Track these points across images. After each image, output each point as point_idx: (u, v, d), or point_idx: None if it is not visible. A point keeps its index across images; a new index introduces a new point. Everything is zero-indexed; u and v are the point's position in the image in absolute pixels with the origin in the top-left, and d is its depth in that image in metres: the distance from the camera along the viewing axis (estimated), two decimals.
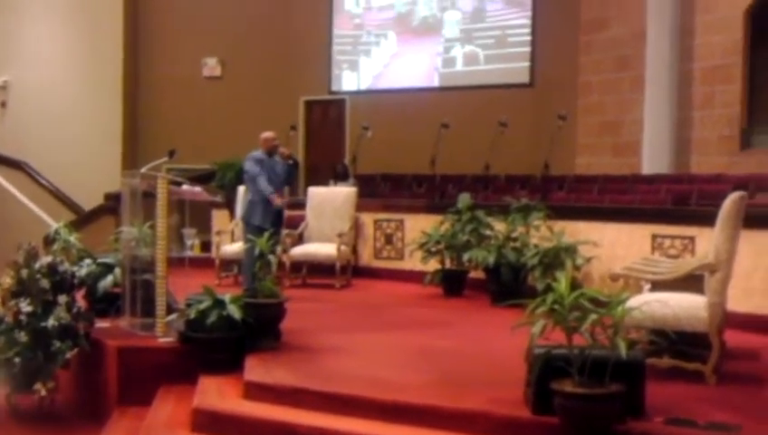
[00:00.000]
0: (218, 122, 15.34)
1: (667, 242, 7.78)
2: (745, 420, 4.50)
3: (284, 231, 9.26)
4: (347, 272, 9.93)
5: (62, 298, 6.56)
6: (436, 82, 15.49)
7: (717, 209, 5.47)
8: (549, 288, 4.56)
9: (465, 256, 8.88)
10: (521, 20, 14.76)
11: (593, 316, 4.28)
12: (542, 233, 8.47)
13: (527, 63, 14.61)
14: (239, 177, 10.06)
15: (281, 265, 8.82)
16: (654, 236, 7.88)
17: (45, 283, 6.56)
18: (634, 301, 5.07)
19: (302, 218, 10.21)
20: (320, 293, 9.33)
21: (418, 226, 9.84)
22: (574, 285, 4.44)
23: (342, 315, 8.04)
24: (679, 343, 5.41)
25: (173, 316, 6.51)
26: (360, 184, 11.70)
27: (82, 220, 13.33)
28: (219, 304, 6.13)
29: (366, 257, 10.61)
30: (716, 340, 5.27)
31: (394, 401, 4.92)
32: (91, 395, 6.71)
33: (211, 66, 16.18)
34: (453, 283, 9.15)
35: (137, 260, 6.88)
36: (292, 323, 6.57)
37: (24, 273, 6.56)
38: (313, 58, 15.92)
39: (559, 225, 8.48)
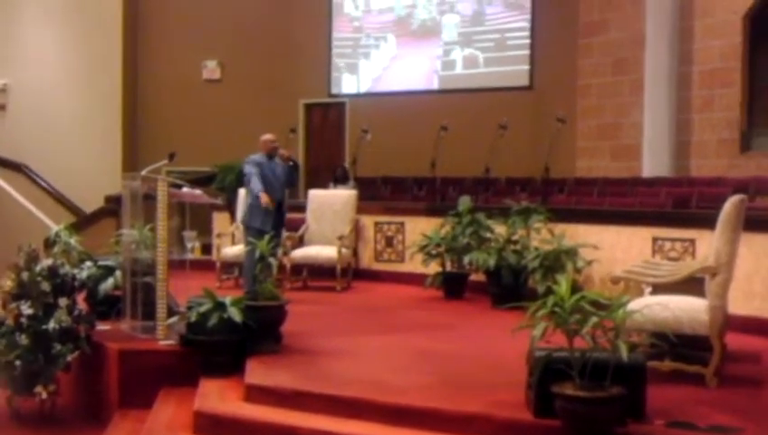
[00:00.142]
0: (218, 125, 15.33)
1: (668, 245, 7.79)
2: (746, 423, 4.51)
3: (285, 234, 9.26)
4: (348, 274, 9.93)
5: (63, 301, 6.55)
6: (435, 85, 15.50)
7: (717, 212, 5.48)
8: (549, 291, 4.57)
9: (466, 259, 8.89)
10: (520, 23, 14.78)
11: (594, 319, 4.28)
12: (542, 236, 8.48)
13: (526, 66, 14.62)
14: (239, 179, 10.06)
15: (281, 267, 8.83)
16: (654, 239, 7.89)
17: (46, 285, 6.55)
18: (635, 304, 5.07)
19: (302, 221, 10.22)
20: (320, 295, 9.34)
21: (419, 228, 9.85)
22: (575, 287, 4.44)
23: (343, 318, 8.04)
24: (680, 346, 5.41)
25: (174, 319, 6.50)
26: (360, 187, 11.71)
27: (83, 223, 13.32)
28: (220, 306, 6.14)
29: (366, 260, 10.62)
30: (717, 343, 5.28)
31: (395, 404, 4.93)
32: (92, 398, 6.71)
33: (211, 69, 16.18)
34: (453, 285, 9.15)
35: (137, 263, 6.88)
36: (293, 326, 6.58)
37: (25, 275, 6.56)
38: (313, 61, 15.93)
39: (559, 228, 8.49)
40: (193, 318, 6.14)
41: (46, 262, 6.69)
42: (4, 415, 6.57)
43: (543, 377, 4.42)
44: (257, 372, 5.69)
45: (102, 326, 6.96)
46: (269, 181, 8.66)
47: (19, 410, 6.59)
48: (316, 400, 5.15)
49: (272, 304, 6.40)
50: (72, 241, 7.43)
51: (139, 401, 5.97)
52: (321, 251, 9.85)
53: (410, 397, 5.02)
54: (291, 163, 8.97)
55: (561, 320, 4.31)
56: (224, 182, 12.81)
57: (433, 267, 9.24)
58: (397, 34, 15.82)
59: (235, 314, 6.05)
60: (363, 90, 16.04)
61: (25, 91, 15.64)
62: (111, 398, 6.31)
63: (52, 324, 6.42)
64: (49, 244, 7.56)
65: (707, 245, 6.33)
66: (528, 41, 14.64)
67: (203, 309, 6.12)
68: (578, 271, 7.99)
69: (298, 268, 9.95)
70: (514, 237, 8.67)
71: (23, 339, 6.40)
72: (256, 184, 8.55)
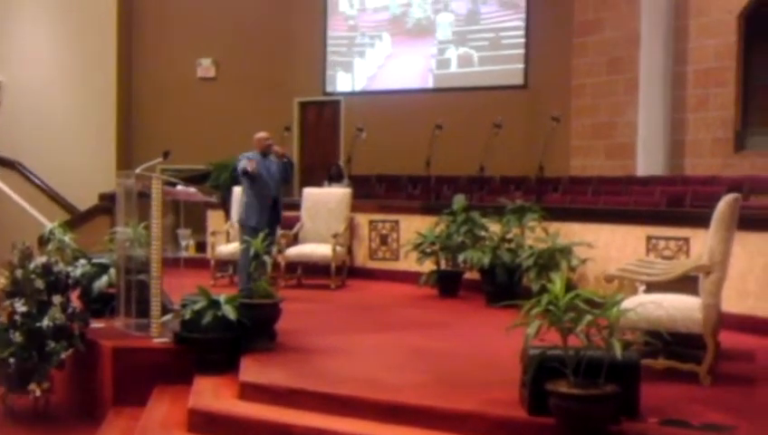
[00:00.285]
0: (213, 123, 15.32)
1: (662, 243, 7.80)
2: (740, 421, 4.52)
3: (279, 232, 9.25)
4: (342, 272, 9.93)
5: (57, 298, 6.54)
6: (430, 84, 15.51)
7: (712, 211, 5.49)
8: (544, 289, 4.58)
9: (460, 257, 8.89)
10: (515, 22, 14.79)
11: (588, 317, 4.29)
12: (536, 234, 8.49)
13: (521, 65, 14.64)
14: (234, 177, 10.05)
15: (276, 265, 8.83)
16: (648, 238, 7.91)
17: (40, 283, 6.54)
18: (629, 302, 5.09)
19: (296, 219, 10.22)
20: (315, 293, 9.34)
21: (413, 226, 9.85)
22: (569, 286, 4.44)
23: (338, 316, 8.04)
24: (674, 345, 5.43)
25: (168, 317, 6.50)
26: (354, 185, 11.70)
27: (77, 220, 13.27)
28: (214, 304, 6.13)
29: (361, 258, 10.62)
30: (711, 341, 5.29)
31: (389, 402, 4.93)
32: (86, 395, 6.70)
33: (205, 67, 16.17)
34: (448, 284, 9.16)
35: (132, 260, 6.87)
36: (288, 324, 6.58)
37: (19, 273, 6.55)
38: (308, 59, 15.92)
39: (554, 226, 8.50)
40: (187, 316, 6.13)
41: (40, 259, 6.68)
42: None
43: (538, 375, 4.43)
44: (252, 370, 5.68)
45: (96, 324, 6.95)
46: (264, 179, 8.64)
47: (13, 408, 6.57)
48: (310, 397, 5.15)
49: (266, 302, 6.40)
50: (67, 239, 7.42)
51: (133, 398, 5.96)
52: (316, 249, 9.85)
53: (405, 395, 5.02)
54: (285, 160, 8.95)
55: (556, 318, 4.32)
56: (218, 180, 12.78)
57: (427, 266, 9.24)
58: (392, 33, 15.82)
59: (230, 312, 6.05)
60: (358, 88, 16.04)
61: (20, 88, 15.59)
62: (105, 395, 6.30)
63: (46, 322, 6.41)
64: (43, 241, 7.56)
65: (701, 243, 6.35)
66: (523, 40, 14.65)
67: (197, 307, 6.11)
68: (572, 269, 7.99)
69: (292, 266, 9.95)
70: (509, 236, 8.68)
71: (17, 336, 6.39)
72: (242, 163, 8.52)
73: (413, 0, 15.66)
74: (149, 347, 6.35)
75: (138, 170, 7.01)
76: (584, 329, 4.28)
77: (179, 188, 7.26)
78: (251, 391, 5.38)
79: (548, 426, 4.41)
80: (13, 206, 13.94)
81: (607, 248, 8.16)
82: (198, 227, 11.27)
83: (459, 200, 9.31)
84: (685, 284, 5.53)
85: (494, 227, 8.85)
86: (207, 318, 6.03)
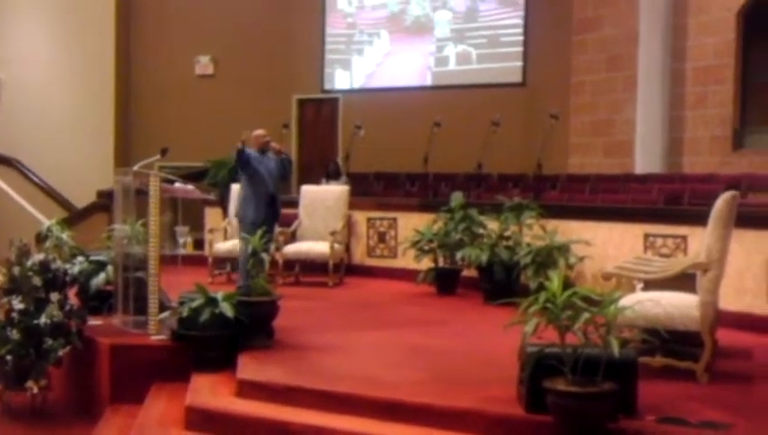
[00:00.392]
0: (211, 120, 15.30)
1: (660, 241, 7.80)
2: (737, 419, 4.52)
3: (278, 229, 9.25)
4: (340, 270, 9.93)
5: (55, 296, 6.54)
6: (428, 82, 15.51)
7: (709, 209, 5.49)
8: (541, 287, 4.57)
9: (458, 255, 8.88)
10: (513, 20, 14.79)
11: (586, 315, 4.29)
12: (534, 232, 8.49)
13: (520, 63, 14.64)
14: (232, 174, 10.04)
15: (274, 263, 8.82)
16: (646, 236, 7.90)
17: (37, 280, 6.54)
18: (626, 300, 5.09)
19: (294, 217, 10.21)
20: (313, 291, 9.33)
21: (411, 224, 9.85)
22: (567, 283, 4.45)
23: (335, 314, 8.03)
24: (671, 342, 5.43)
25: (166, 314, 6.50)
26: (352, 182, 11.71)
27: (75, 218, 13.26)
28: (212, 301, 6.13)
29: (359, 256, 10.61)
30: (708, 339, 5.29)
31: (387, 399, 4.92)
32: (84, 393, 6.70)
33: (204, 64, 16.16)
34: (446, 281, 9.15)
35: (129, 258, 6.87)
36: (285, 322, 6.58)
37: (16, 270, 6.55)
38: (306, 56, 15.92)
39: (551, 224, 8.50)
40: (185, 313, 6.13)
41: (38, 257, 6.68)
42: None
43: (535, 372, 4.42)
44: (249, 368, 5.68)
45: (94, 321, 6.95)
46: (262, 176, 8.63)
47: (10, 405, 6.58)
48: (308, 395, 5.14)
49: (264, 300, 6.40)
50: (64, 236, 7.42)
51: (130, 396, 5.96)
52: (314, 247, 9.84)
53: (402, 392, 5.02)
54: (283, 156, 8.94)
55: (553, 316, 4.32)
56: (216, 177, 12.77)
57: (425, 263, 9.24)
58: (390, 31, 15.82)
59: (227, 310, 6.05)
60: (356, 86, 16.04)
61: (18, 86, 15.58)
62: (103, 393, 6.30)
63: (43, 319, 6.41)
64: (41, 239, 7.55)
65: (699, 241, 6.35)
66: (521, 37, 14.65)
67: (195, 304, 6.11)
68: (570, 267, 7.99)
69: (290, 264, 9.94)
70: (507, 233, 8.67)
71: (14, 334, 6.39)
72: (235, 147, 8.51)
73: None
74: (147, 344, 6.35)
75: (136, 168, 7.00)
76: (582, 327, 4.28)
77: (177, 185, 7.27)
78: (248, 389, 5.38)
79: (546, 423, 4.41)
80: (11, 203, 13.94)
81: (604, 246, 8.16)
82: (196, 224, 11.25)
83: (457, 198, 9.30)
84: (682, 281, 5.53)
85: (492, 225, 8.84)
86: (205, 315, 6.03)
